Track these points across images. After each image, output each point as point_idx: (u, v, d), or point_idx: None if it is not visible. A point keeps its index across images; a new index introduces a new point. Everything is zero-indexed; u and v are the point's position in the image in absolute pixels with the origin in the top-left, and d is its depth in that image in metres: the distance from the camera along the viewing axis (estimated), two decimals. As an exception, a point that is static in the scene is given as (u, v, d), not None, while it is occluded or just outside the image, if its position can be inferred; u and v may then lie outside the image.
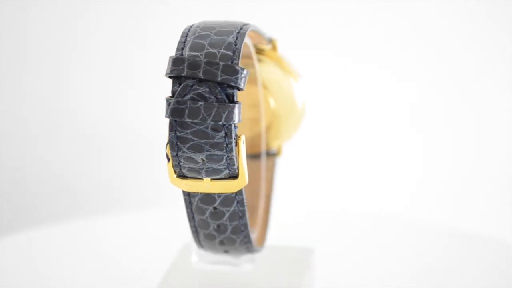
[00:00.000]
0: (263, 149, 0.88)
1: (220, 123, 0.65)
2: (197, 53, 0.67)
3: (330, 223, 1.20)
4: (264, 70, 0.87)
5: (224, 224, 0.74)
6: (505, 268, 1.02)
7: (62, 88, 1.60)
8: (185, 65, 0.66)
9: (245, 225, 0.74)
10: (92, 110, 1.60)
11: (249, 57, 0.81)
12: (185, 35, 0.69)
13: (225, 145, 0.66)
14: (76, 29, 1.57)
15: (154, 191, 1.61)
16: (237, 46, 0.67)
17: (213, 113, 0.65)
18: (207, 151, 0.66)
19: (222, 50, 0.67)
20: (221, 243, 0.77)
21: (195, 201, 0.72)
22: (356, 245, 1.11)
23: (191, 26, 0.71)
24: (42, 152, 1.61)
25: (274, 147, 0.90)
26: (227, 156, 0.67)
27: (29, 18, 1.56)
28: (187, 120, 0.65)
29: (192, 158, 0.67)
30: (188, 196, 0.72)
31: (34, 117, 1.60)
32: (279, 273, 0.84)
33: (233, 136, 0.66)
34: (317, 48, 1.54)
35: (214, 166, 0.67)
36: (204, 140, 0.66)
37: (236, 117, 0.66)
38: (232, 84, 0.66)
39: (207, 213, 0.73)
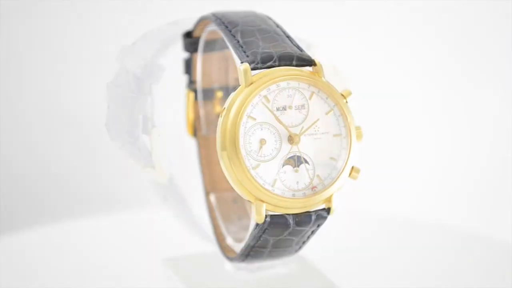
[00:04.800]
0: None
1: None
2: None
3: (330, 223, 1.20)
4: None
5: None
6: (505, 268, 1.02)
7: (62, 88, 1.60)
8: None
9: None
10: (92, 110, 1.60)
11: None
12: None
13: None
14: (75, 29, 1.57)
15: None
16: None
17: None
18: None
19: None
20: None
21: None
22: (356, 246, 1.11)
23: None
24: (42, 152, 1.61)
25: None
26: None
27: (29, 18, 1.56)
28: None
29: None
30: None
31: (34, 117, 1.60)
32: (280, 274, 0.84)
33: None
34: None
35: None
36: None
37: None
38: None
39: None
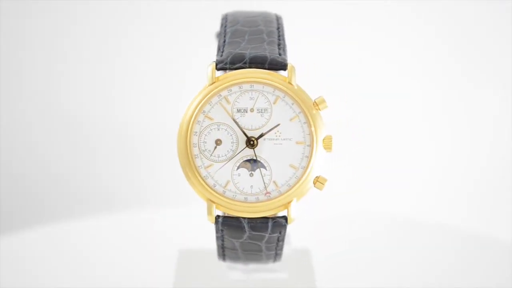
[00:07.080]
0: None
1: None
2: None
3: (330, 224, 1.20)
4: None
5: None
6: (505, 268, 1.02)
7: (62, 88, 1.60)
8: None
9: None
10: (92, 110, 1.60)
11: None
12: None
13: None
14: (75, 29, 1.57)
15: (156, 191, 1.61)
16: None
17: None
18: None
19: None
20: None
21: None
22: (356, 246, 1.11)
23: None
24: (42, 152, 1.61)
25: None
26: None
27: (29, 18, 1.56)
28: None
29: None
30: None
31: (34, 117, 1.60)
32: (279, 275, 0.84)
33: None
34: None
35: None
36: None
37: None
38: None
39: None
